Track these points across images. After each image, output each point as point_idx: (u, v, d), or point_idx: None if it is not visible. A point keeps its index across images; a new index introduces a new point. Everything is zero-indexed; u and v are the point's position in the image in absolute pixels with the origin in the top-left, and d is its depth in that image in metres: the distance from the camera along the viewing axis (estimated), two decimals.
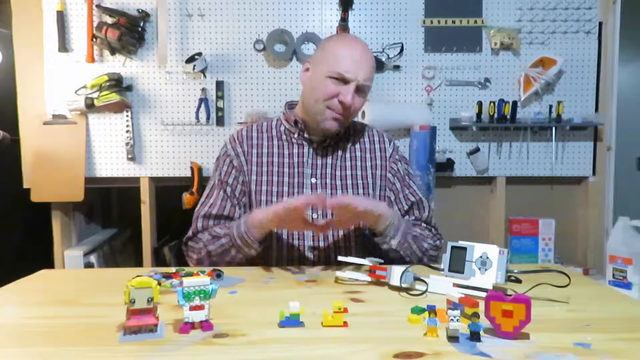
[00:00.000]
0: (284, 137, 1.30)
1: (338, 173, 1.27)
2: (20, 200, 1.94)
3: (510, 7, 1.98)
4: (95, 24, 1.89)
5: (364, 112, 1.89)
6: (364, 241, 1.25)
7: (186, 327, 0.69)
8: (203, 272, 0.87)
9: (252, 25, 1.97)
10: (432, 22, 1.98)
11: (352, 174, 1.28)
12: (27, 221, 2.19)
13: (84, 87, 1.91)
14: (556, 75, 1.97)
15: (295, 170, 1.26)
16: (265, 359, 0.62)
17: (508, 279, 0.87)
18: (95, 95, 1.90)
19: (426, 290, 0.89)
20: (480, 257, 0.87)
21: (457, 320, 0.65)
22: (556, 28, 1.99)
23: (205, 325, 0.69)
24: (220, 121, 1.98)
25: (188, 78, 1.97)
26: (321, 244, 1.23)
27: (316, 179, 1.26)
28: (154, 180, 2.03)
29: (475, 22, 1.98)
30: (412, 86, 2.00)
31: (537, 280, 0.89)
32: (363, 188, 1.27)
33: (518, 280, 0.89)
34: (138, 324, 0.67)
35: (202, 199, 1.28)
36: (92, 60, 1.92)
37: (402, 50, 1.97)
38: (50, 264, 1.97)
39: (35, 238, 2.18)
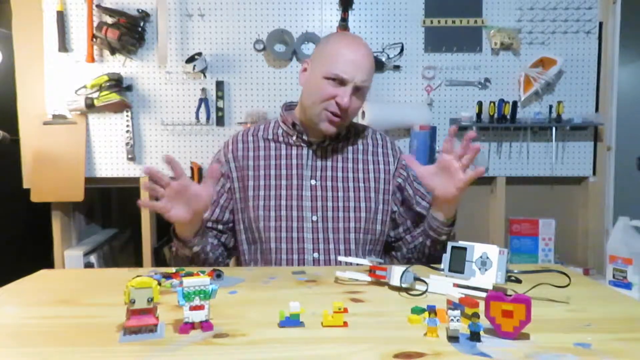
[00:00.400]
0: (281, 139, 1.29)
1: (338, 175, 1.26)
2: (20, 200, 1.94)
3: (510, 7, 1.98)
4: (95, 24, 1.89)
5: (363, 112, 1.88)
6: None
7: (186, 327, 0.69)
8: (203, 272, 0.87)
9: (252, 25, 1.97)
10: (432, 22, 1.98)
11: (353, 176, 1.27)
12: (27, 221, 2.19)
13: (84, 87, 1.91)
14: (556, 75, 1.97)
15: (294, 172, 1.25)
16: (265, 359, 0.62)
17: (508, 279, 0.87)
18: (95, 95, 1.90)
19: (426, 291, 0.89)
20: (480, 257, 0.87)
21: (457, 320, 0.65)
22: (556, 28, 1.99)
23: (205, 325, 0.69)
24: (220, 121, 1.98)
25: (188, 78, 1.97)
26: (321, 244, 1.23)
27: (316, 180, 1.25)
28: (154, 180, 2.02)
29: (475, 22, 1.98)
30: (412, 86, 2.00)
31: (537, 280, 0.89)
32: (365, 191, 1.26)
33: (518, 280, 0.89)
34: (138, 324, 0.67)
35: None
36: (92, 60, 1.92)
37: (402, 50, 1.97)
38: (50, 264, 1.97)
39: (35, 238, 2.18)
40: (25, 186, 1.95)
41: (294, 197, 1.22)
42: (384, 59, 1.97)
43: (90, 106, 1.90)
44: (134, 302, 0.66)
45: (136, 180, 1.99)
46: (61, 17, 1.91)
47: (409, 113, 1.96)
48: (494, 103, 1.95)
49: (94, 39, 1.89)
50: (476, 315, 0.67)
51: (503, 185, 2.05)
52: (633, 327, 0.73)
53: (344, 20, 1.91)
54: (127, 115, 1.96)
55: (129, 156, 1.97)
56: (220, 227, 1.28)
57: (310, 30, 1.96)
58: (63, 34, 1.91)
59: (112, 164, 1.98)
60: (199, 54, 1.93)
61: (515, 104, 1.94)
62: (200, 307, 0.69)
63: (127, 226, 2.49)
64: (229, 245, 1.31)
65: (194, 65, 1.90)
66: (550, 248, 2.01)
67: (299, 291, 0.92)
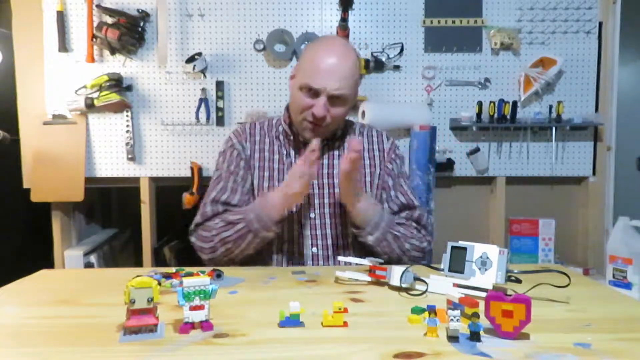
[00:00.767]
0: (281, 137, 1.32)
1: (335, 172, 1.28)
2: (20, 200, 1.94)
3: (510, 7, 1.98)
4: (95, 24, 1.89)
5: (364, 112, 1.89)
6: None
7: (186, 327, 0.69)
8: (203, 272, 0.87)
9: (252, 25, 1.97)
10: (432, 22, 1.98)
11: None
12: (27, 221, 2.19)
13: (84, 87, 1.91)
14: (556, 75, 1.97)
15: None
16: (265, 359, 0.62)
17: (508, 279, 0.87)
18: (95, 95, 1.90)
19: (426, 290, 0.89)
20: (480, 257, 0.87)
21: (457, 320, 0.65)
22: (556, 28, 1.99)
23: (205, 325, 0.70)
24: (220, 121, 1.98)
25: (188, 78, 1.97)
26: (321, 243, 1.23)
27: (315, 179, 1.26)
28: (154, 180, 2.03)
29: (475, 22, 1.98)
30: (412, 86, 2.00)
31: (537, 280, 0.89)
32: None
33: (518, 280, 0.89)
34: (138, 324, 0.67)
35: (210, 187, 1.28)
36: (92, 60, 1.92)
37: (402, 50, 1.97)
38: (50, 264, 1.97)
39: (35, 238, 2.18)
40: (25, 186, 1.94)
41: None
42: (384, 59, 1.97)
43: (90, 106, 1.90)
44: (134, 302, 0.66)
45: (136, 180, 1.99)
46: (61, 17, 1.91)
47: (409, 113, 1.96)
48: (494, 103, 1.95)
49: (94, 39, 1.89)
50: (476, 315, 0.67)
51: (503, 185, 2.05)
52: (633, 327, 0.73)
53: (344, 20, 1.91)
54: (127, 115, 1.96)
55: (129, 156, 1.97)
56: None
57: (310, 30, 1.96)
58: (63, 34, 1.91)
59: (112, 164, 1.98)
60: (199, 54, 1.93)
61: (515, 104, 1.94)
62: (200, 307, 0.69)
63: (127, 226, 2.49)
64: None
65: (194, 65, 1.90)
66: (550, 248, 2.01)
67: (299, 291, 0.92)
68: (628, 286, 1.40)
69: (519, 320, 0.66)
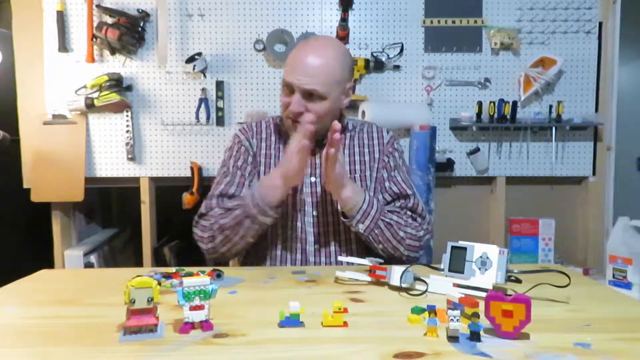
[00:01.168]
0: (284, 136, 1.32)
1: None
2: (20, 200, 1.94)
3: (510, 7, 1.98)
4: (95, 24, 1.89)
5: (364, 112, 1.89)
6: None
7: (186, 327, 0.69)
8: (203, 272, 0.87)
9: (252, 25, 1.97)
10: (432, 22, 1.98)
11: (350, 170, 1.29)
12: (27, 221, 2.19)
13: (84, 87, 1.91)
14: (556, 75, 1.97)
15: None
16: (265, 359, 0.62)
17: (508, 279, 0.87)
18: (95, 95, 1.90)
19: (426, 290, 0.89)
20: (480, 257, 0.87)
21: (457, 320, 0.65)
22: (556, 28, 1.99)
23: (205, 325, 0.70)
24: (220, 121, 1.98)
25: (188, 78, 1.97)
26: (322, 237, 1.24)
27: (315, 177, 1.27)
28: (154, 180, 2.03)
29: (475, 22, 1.98)
30: (412, 86, 2.00)
31: (537, 280, 0.89)
32: (361, 181, 1.28)
33: (518, 280, 0.89)
34: (138, 324, 0.67)
35: (216, 181, 1.28)
36: (92, 60, 1.92)
37: (402, 50, 1.97)
38: (50, 264, 1.97)
39: (35, 238, 2.18)
40: (25, 186, 1.95)
41: (295, 194, 1.25)
42: (384, 59, 1.97)
43: (90, 106, 1.90)
44: (134, 302, 0.66)
45: (136, 180, 1.99)
46: (61, 17, 1.91)
47: (409, 113, 1.96)
48: (494, 103, 1.95)
49: (94, 39, 1.89)
50: (476, 315, 0.67)
51: (503, 185, 2.05)
52: (633, 327, 0.73)
53: (343, 20, 1.91)
54: (127, 115, 1.96)
55: (129, 156, 1.97)
56: None
57: (310, 30, 1.96)
58: (63, 34, 1.91)
59: (112, 164, 1.98)
60: (199, 54, 1.93)
61: (515, 104, 1.94)
62: (200, 307, 0.69)
63: (127, 226, 2.49)
64: None
65: (194, 65, 1.90)
66: (550, 248, 2.01)
67: (299, 291, 0.92)
68: (628, 286, 1.40)
69: (519, 320, 0.66)
